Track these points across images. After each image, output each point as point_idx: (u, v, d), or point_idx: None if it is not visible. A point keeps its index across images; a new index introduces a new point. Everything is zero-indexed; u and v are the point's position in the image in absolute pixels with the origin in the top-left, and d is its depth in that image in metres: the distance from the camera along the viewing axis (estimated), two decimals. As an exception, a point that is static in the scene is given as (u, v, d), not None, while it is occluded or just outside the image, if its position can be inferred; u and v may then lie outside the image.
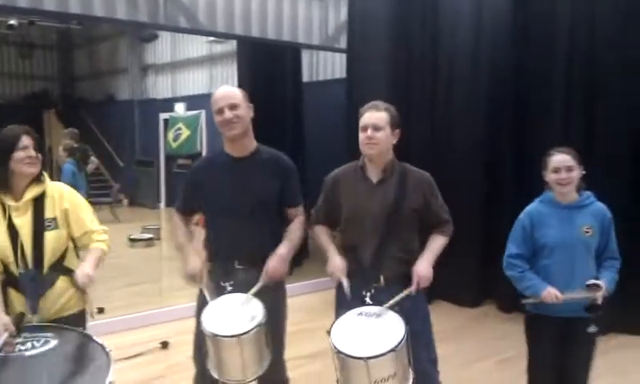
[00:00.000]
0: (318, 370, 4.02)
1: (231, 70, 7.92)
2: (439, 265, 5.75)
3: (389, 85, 5.44)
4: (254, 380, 2.45)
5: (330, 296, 6.49)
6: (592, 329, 2.66)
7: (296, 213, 2.70)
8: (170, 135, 11.30)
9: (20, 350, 2.07)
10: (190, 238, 2.71)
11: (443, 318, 5.43)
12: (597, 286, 2.58)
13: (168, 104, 11.73)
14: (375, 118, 2.56)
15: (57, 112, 13.78)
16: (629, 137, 4.75)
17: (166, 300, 5.30)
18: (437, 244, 2.65)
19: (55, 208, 2.39)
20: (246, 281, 2.50)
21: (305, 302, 5.69)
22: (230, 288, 2.50)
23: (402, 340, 2.21)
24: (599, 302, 2.58)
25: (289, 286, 5.81)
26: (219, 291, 2.50)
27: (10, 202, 2.32)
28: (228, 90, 2.61)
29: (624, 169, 4.74)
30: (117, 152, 12.69)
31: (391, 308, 2.39)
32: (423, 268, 2.52)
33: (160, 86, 12.55)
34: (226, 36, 6.29)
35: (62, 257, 2.42)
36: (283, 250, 2.55)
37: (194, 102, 10.66)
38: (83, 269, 2.34)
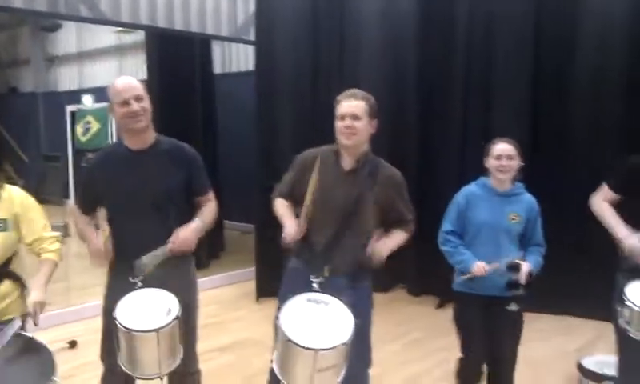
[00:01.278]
0: (231, 362, 4.07)
1: (141, 61, 7.70)
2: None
3: (297, 77, 5.51)
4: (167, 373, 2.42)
5: (245, 288, 6.58)
6: (512, 307, 2.87)
7: (207, 199, 2.68)
8: (79, 129, 10.88)
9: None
10: (91, 224, 2.64)
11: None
12: (517, 265, 2.77)
13: (75, 96, 11.23)
14: (353, 106, 2.54)
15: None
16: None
17: (75, 299, 5.13)
18: (398, 236, 2.67)
19: (6, 210, 2.36)
20: (155, 276, 2.45)
21: (220, 294, 5.71)
22: (140, 284, 2.44)
23: (350, 335, 2.22)
24: (522, 280, 2.77)
25: (205, 279, 5.81)
26: (128, 288, 2.42)
27: None
28: (131, 80, 2.52)
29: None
30: (21, 147, 12.04)
31: (339, 299, 2.36)
32: (383, 244, 2.57)
33: (66, 78, 12.00)
34: (130, 26, 6.10)
35: (9, 260, 2.39)
36: (194, 224, 2.53)
37: (102, 94, 10.25)
38: (34, 296, 2.35)
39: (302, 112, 5.55)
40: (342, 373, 2.27)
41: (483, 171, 2.97)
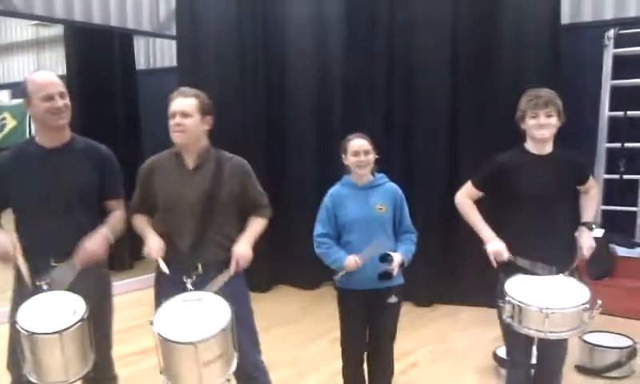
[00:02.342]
0: (150, 366, 3.97)
1: (60, 56, 7.42)
2: (278, 251, 5.88)
3: (218, 73, 5.46)
4: (79, 380, 2.36)
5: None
6: (392, 299, 2.96)
7: (117, 205, 2.65)
8: (-2, 127, 10.40)
9: None
10: None
11: (284, 301, 5.66)
12: (388, 257, 2.83)
13: (-8, 91, 10.73)
14: (183, 104, 2.56)
15: None
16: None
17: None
18: (256, 225, 2.72)
19: None
20: (63, 276, 2.39)
21: (145, 296, 5.57)
22: (46, 287, 2.37)
23: (229, 321, 2.25)
24: (394, 271, 2.85)
25: (129, 281, 5.66)
26: (35, 291, 2.36)
27: None
28: (53, 76, 2.49)
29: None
30: None
31: (214, 292, 2.41)
32: (242, 249, 2.58)
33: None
34: (45, 19, 5.87)
35: None
36: (101, 234, 2.49)
37: (20, 89, 9.85)
38: None
39: (226, 108, 5.50)
40: (234, 363, 2.30)
41: (344, 169, 3.03)
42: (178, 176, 2.62)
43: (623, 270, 4.89)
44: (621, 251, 4.94)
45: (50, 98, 2.41)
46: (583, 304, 2.46)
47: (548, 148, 2.75)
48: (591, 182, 2.91)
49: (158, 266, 2.54)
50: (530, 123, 2.70)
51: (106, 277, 2.68)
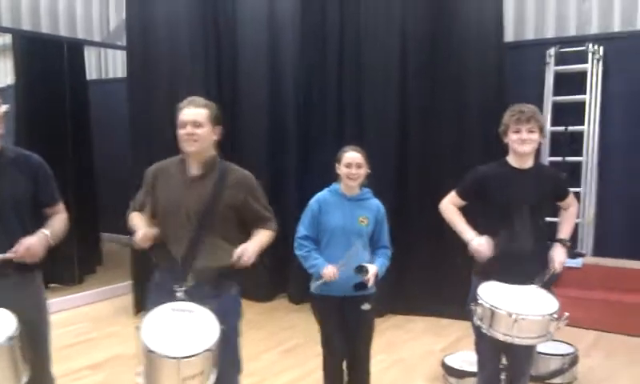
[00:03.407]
0: (102, 379, 3.92)
1: (8, 64, 7.22)
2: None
3: (171, 83, 5.43)
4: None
5: (123, 302, 6.36)
6: (365, 306, 3.04)
7: (56, 211, 2.61)
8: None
9: None
10: None
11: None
12: (364, 268, 2.91)
13: None
14: (194, 114, 2.54)
15: None
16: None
17: None
18: (262, 236, 2.63)
19: None
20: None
21: (94, 310, 5.49)
22: None
23: (215, 341, 2.22)
24: (368, 281, 2.91)
25: (77, 295, 5.56)
26: None
27: None
28: None
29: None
30: None
31: (204, 306, 2.36)
32: (249, 246, 2.51)
33: None
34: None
35: None
36: (40, 234, 2.44)
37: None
38: None
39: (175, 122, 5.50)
40: (212, 379, 2.26)
41: (336, 178, 3.10)
42: (179, 183, 2.58)
43: (567, 279, 5.08)
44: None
45: None
46: (551, 314, 2.56)
47: (529, 162, 2.84)
48: (570, 199, 3.00)
49: (155, 270, 2.59)
50: (512, 138, 2.79)
51: (41, 291, 2.61)
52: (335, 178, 3.10)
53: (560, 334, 4.32)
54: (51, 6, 5.60)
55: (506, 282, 2.72)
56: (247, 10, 5.73)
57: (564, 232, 2.96)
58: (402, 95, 5.28)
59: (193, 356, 2.16)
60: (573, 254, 5.13)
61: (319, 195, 3.12)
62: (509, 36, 5.48)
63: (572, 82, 5.33)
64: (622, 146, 5.23)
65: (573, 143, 5.31)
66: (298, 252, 3.05)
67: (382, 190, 5.19)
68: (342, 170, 3.03)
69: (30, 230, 2.47)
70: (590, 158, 5.26)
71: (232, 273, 2.56)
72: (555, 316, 2.55)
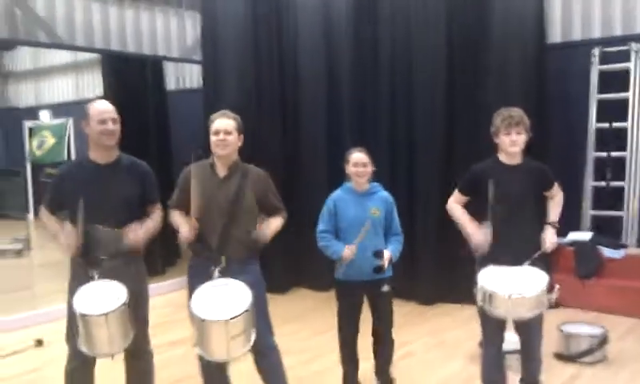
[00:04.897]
0: (181, 354, 4.53)
1: (97, 78, 8.10)
2: (295, 257, 6.35)
3: (240, 94, 6.09)
4: (121, 352, 2.93)
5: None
6: (385, 288, 3.49)
7: (155, 208, 3.22)
8: (34, 143, 11.08)
9: None
10: (60, 222, 3.10)
11: (298, 301, 6.18)
12: (380, 252, 3.40)
13: (32, 112, 11.46)
14: (226, 124, 3.10)
15: None
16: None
17: (40, 304, 5.55)
18: (276, 221, 3.22)
19: None
20: (110, 269, 2.93)
21: (175, 297, 6.16)
22: (97, 277, 2.91)
23: (250, 303, 2.76)
24: (385, 264, 3.40)
25: (161, 284, 6.33)
26: (88, 280, 2.91)
27: None
28: (108, 105, 3.09)
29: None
30: None
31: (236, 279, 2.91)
32: (265, 228, 3.14)
33: (23, 94, 12.21)
34: (85, 50, 6.56)
35: None
36: (144, 223, 3.07)
37: (59, 109, 10.55)
38: None
39: (246, 124, 6.11)
40: (252, 338, 2.81)
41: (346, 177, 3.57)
42: (210, 183, 3.13)
43: (609, 270, 5.32)
44: (607, 253, 5.37)
45: (104, 121, 3.00)
46: (542, 289, 2.94)
47: (518, 159, 3.23)
48: (556, 189, 3.36)
49: (191, 258, 3.15)
50: (503, 139, 3.17)
51: (143, 268, 3.24)
52: (346, 177, 3.57)
53: (600, 319, 4.65)
54: (135, 26, 6.33)
55: (504, 265, 3.08)
56: (306, 22, 6.27)
57: (552, 216, 3.31)
58: (447, 95, 5.65)
59: (236, 317, 2.70)
60: (616, 245, 5.37)
61: (334, 194, 3.59)
62: (556, 37, 5.73)
63: (616, 80, 5.52)
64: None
65: (617, 139, 5.51)
66: (320, 244, 3.52)
67: (431, 192, 5.72)
68: (350, 169, 3.50)
69: (137, 222, 3.09)
70: (633, 153, 5.45)
71: (255, 252, 3.18)
72: (545, 289, 2.94)
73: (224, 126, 3.11)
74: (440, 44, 5.61)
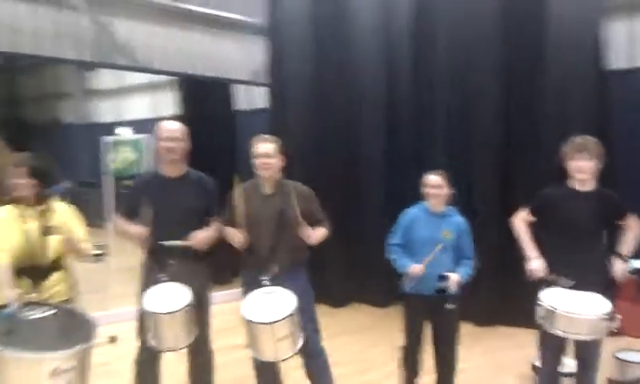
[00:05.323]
0: (242, 356, 4.73)
1: (173, 98, 8.61)
2: (355, 272, 6.47)
3: (303, 115, 6.44)
4: (184, 348, 3.22)
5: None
6: (449, 305, 3.53)
7: (215, 221, 3.49)
8: (115, 157, 11.70)
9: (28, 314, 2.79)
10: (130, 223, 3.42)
11: (355, 315, 6.32)
12: (446, 277, 3.48)
13: (112, 128, 12.14)
14: (267, 148, 3.37)
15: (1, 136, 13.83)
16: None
17: (114, 305, 5.97)
18: (320, 230, 3.45)
19: (56, 220, 3.13)
20: (177, 272, 3.22)
21: (238, 307, 6.44)
22: (165, 279, 3.22)
23: (295, 308, 3.00)
24: (450, 288, 3.47)
25: (228, 292, 6.59)
26: (156, 282, 3.22)
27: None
28: (174, 124, 3.41)
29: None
30: (62, 173, 12.86)
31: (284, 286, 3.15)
32: (312, 232, 3.35)
33: (104, 111, 13.00)
34: (163, 73, 7.05)
35: (59, 257, 3.18)
36: (207, 230, 3.36)
37: (137, 126, 11.12)
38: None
39: (308, 144, 6.47)
40: (300, 342, 3.03)
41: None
42: (256, 200, 3.41)
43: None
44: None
45: (165, 139, 3.34)
46: (603, 313, 2.99)
47: (589, 185, 3.27)
48: (631, 221, 3.34)
49: (242, 270, 3.42)
50: (571, 165, 3.27)
51: (207, 275, 3.53)
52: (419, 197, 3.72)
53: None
54: (208, 51, 6.75)
55: (567, 289, 3.16)
56: (367, 48, 6.50)
57: (624, 248, 3.31)
58: (505, 121, 5.74)
59: (279, 320, 2.94)
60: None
61: (410, 210, 3.73)
62: (621, 63, 5.66)
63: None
64: None
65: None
66: (390, 256, 3.68)
67: (487, 212, 5.74)
68: (426, 190, 3.64)
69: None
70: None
71: (302, 261, 3.44)
72: (607, 316, 2.98)
73: (265, 150, 3.36)
74: (497, 71, 5.73)
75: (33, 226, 3.08)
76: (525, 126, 5.63)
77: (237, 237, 3.35)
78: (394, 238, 3.71)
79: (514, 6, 5.65)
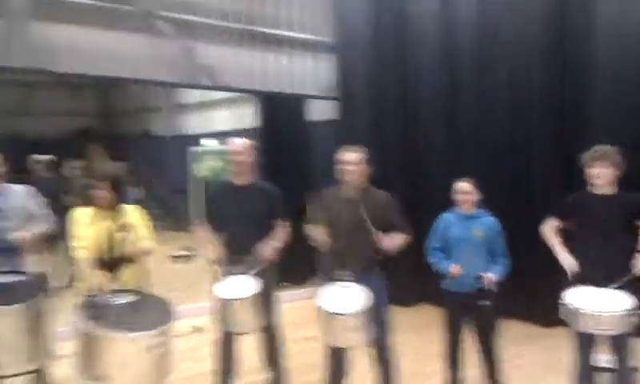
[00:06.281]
0: (314, 346, 5.09)
1: (249, 110, 9.16)
2: (421, 273, 6.32)
3: (369, 127, 6.91)
4: (255, 331, 3.78)
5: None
6: (483, 302, 3.89)
7: (281, 224, 4.01)
8: (201, 167, 12.46)
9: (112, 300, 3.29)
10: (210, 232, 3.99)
11: (420, 314, 6.66)
12: (481, 277, 3.85)
13: (198, 139, 12.89)
14: (350, 157, 3.69)
15: (101, 146, 14.85)
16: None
17: (201, 299, 6.59)
18: (398, 237, 3.70)
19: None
20: (249, 269, 3.74)
21: (313, 303, 6.82)
22: (237, 273, 3.76)
23: (367, 304, 3.35)
24: (487, 287, 3.84)
25: (302, 291, 7.11)
26: (230, 275, 3.78)
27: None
28: (238, 142, 3.97)
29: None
30: (153, 181, 13.66)
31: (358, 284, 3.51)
32: (389, 239, 3.65)
33: (190, 124, 13.81)
34: (240, 90, 7.72)
35: (131, 253, 3.74)
36: (272, 243, 3.86)
37: (220, 137, 11.69)
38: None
39: (373, 157, 6.82)
40: (370, 333, 3.36)
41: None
42: (339, 203, 3.75)
43: None
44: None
45: (231, 153, 3.94)
46: (625, 309, 3.23)
47: (608, 189, 3.54)
48: None
49: (324, 266, 3.79)
50: (587, 172, 3.55)
51: (274, 273, 4.03)
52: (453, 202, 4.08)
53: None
54: (282, 69, 7.32)
55: (591, 286, 3.40)
56: (429, 67, 6.89)
57: None
58: (557, 133, 5.99)
59: (353, 313, 3.30)
60: None
61: (443, 215, 4.11)
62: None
63: None
64: None
65: None
66: (430, 259, 4.06)
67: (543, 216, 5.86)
68: (456, 196, 4.01)
69: (265, 232, 3.92)
70: None
71: (377, 261, 3.74)
72: (629, 311, 3.23)
73: (347, 158, 3.73)
74: (554, 84, 5.96)
75: (108, 225, 3.64)
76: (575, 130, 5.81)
77: (320, 237, 3.70)
78: (432, 242, 4.06)
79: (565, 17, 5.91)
